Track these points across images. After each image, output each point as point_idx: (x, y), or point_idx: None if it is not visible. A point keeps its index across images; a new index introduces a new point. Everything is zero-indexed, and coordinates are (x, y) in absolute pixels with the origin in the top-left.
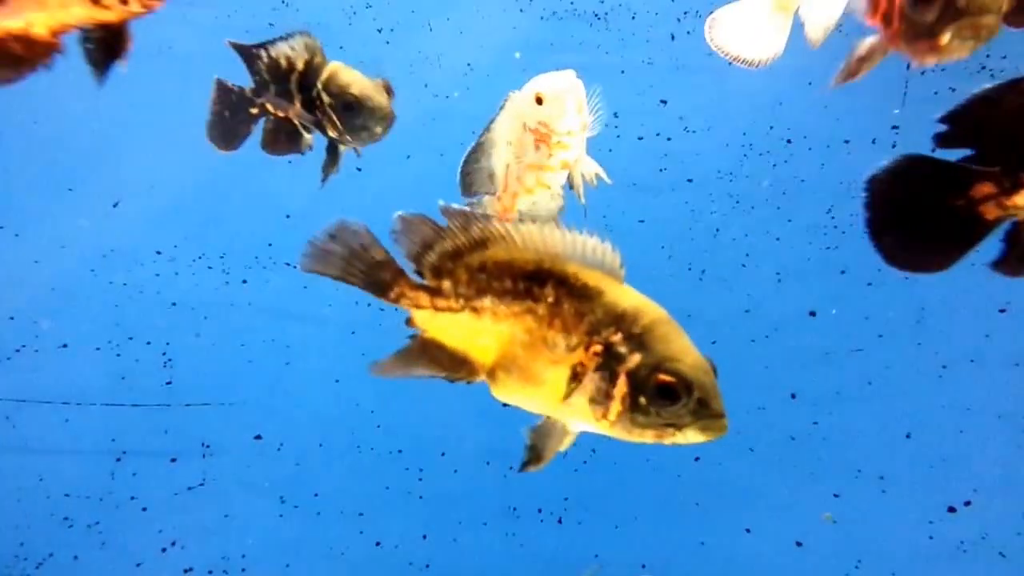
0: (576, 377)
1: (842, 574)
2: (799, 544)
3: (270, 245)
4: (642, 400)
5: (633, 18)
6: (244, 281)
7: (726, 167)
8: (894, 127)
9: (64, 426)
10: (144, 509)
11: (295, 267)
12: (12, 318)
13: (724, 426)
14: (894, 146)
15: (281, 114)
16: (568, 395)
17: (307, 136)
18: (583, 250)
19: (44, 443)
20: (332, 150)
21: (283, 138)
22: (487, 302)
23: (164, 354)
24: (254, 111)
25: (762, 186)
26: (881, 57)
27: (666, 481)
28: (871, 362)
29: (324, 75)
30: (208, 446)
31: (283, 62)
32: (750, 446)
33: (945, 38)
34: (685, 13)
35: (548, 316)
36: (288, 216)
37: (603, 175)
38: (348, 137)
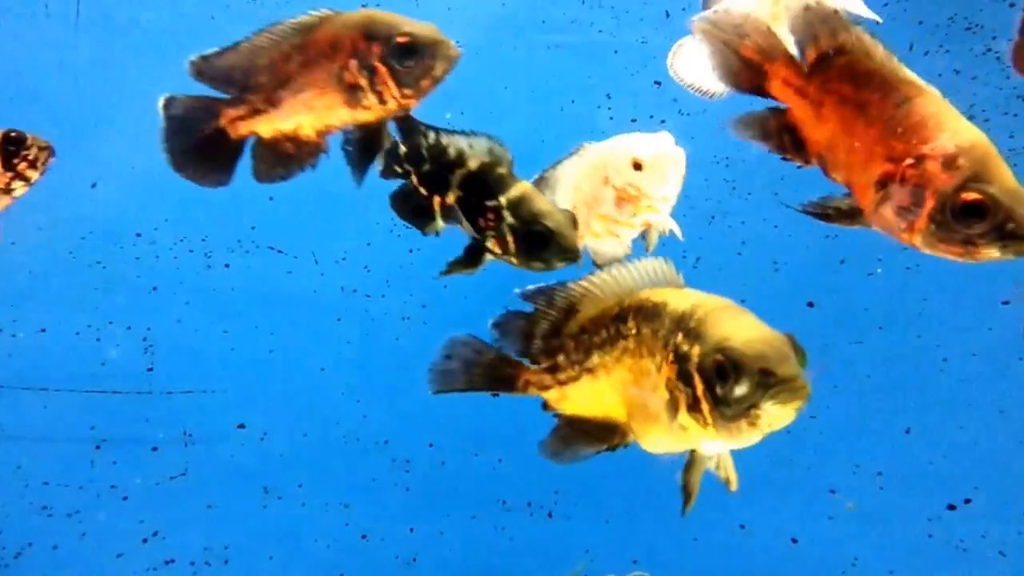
0: (672, 397)
1: (839, 572)
2: (795, 541)
3: (253, 228)
4: (718, 391)
5: None
6: (227, 265)
7: (722, 151)
8: None
9: (42, 413)
10: (125, 498)
11: (279, 251)
12: None
13: (798, 389)
14: None
15: (424, 191)
16: (673, 417)
17: (439, 223)
18: (649, 274)
19: (22, 430)
20: (476, 253)
21: (412, 208)
22: (596, 359)
23: (145, 340)
24: (398, 169)
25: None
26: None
27: (659, 475)
28: (870, 355)
29: (513, 192)
30: (190, 435)
31: (451, 152)
32: None
33: (986, 251)
34: None
35: (636, 348)
36: (271, 198)
37: (677, 233)
38: (515, 260)
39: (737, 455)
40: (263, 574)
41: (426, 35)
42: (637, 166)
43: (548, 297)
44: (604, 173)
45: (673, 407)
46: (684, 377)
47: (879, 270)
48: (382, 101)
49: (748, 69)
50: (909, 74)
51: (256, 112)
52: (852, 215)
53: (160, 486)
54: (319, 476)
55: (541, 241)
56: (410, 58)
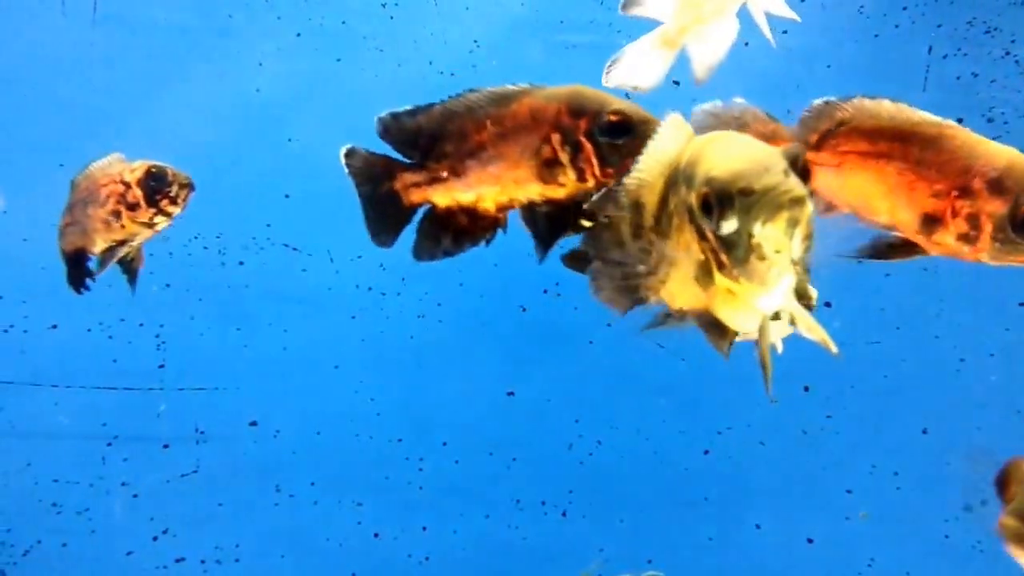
0: (705, 262)
1: (855, 573)
2: (811, 541)
3: (268, 226)
4: (717, 234)
5: None
6: (241, 263)
7: None
8: None
9: (54, 409)
10: (135, 496)
11: (294, 248)
12: (1, 297)
13: (780, 196)
14: None
15: None
16: (712, 284)
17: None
18: (672, 139)
19: (33, 427)
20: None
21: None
22: (671, 247)
23: (157, 336)
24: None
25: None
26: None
27: (674, 474)
28: (887, 355)
29: None
30: (202, 432)
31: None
32: (761, 440)
33: None
34: None
35: (679, 223)
36: (287, 196)
37: None
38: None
39: (753, 456)
40: (274, 573)
41: (637, 114)
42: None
43: (614, 200)
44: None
45: (709, 272)
46: (701, 234)
47: (896, 271)
48: (581, 178)
49: None
50: (921, 115)
51: (436, 181)
52: (909, 249)
53: (171, 484)
54: (332, 474)
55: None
56: (619, 136)
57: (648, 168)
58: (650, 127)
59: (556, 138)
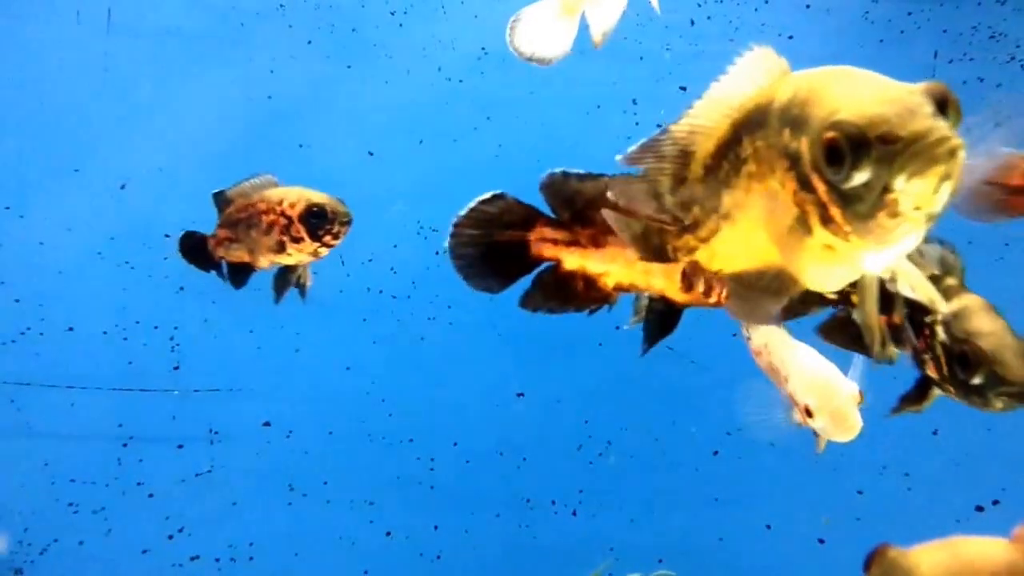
0: (802, 214)
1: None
2: (821, 541)
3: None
4: (840, 184)
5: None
6: None
7: None
8: None
9: (70, 410)
10: (151, 495)
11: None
12: (17, 300)
13: (936, 147)
14: None
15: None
16: (809, 237)
17: (891, 348)
18: (751, 75)
19: (49, 427)
20: (923, 387)
21: (852, 337)
22: (727, 200)
23: (172, 339)
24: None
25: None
26: None
27: (684, 475)
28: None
29: (954, 305)
30: (216, 432)
31: None
32: (771, 440)
33: None
34: None
35: (758, 169)
36: None
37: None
38: (951, 388)
39: (763, 456)
40: (288, 571)
41: None
42: (808, 413)
43: (655, 153)
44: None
45: (806, 226)
46: (804, 183)
47: None
48: (707, 293)
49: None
50: None
51: (574, 243)
52: None
53: (186, 483)
54: (344, 474)
55: (972, 367)
56: None
57: (707, 112)
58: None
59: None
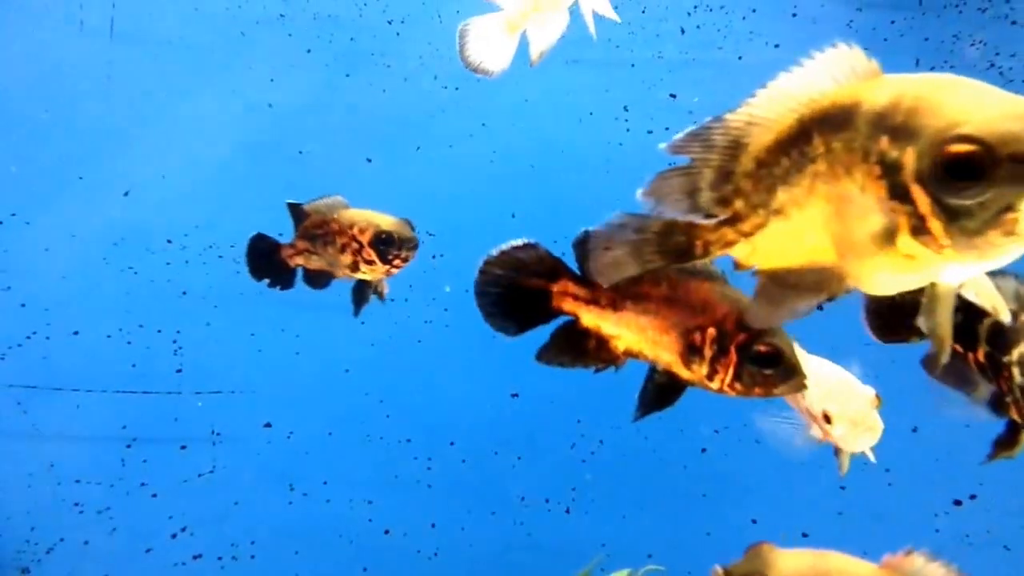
0: (889, 222)
1: None
2: (805, 535)
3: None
4: (952, 201)
5: (643, 11)
6: None
7: None
8: None
9: (75, 413)
10: (154, 495)
11: None
12: (23, 305)
13: None
14: None
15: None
16: (891, 245)
17: (980, 390)
18: (829, 73)
19: (55, 429)
20: (1012, 432)
21: (954, 374)
22: (782, 196)
23: (175, 342)
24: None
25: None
26: None
27: (673, 472)
28: (879, 356)
29: None
30: (218, 433)
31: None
32: (757, 438)
33: None
34: (695, 7)
35: (830, 169)
36: None
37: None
38: None
39: (749, 453)
40: (288, 569)
41: (787, 352)
42: (827, 419)
43: (703, 141)
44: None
45: (889, 234)
46: (899, 193)
47: None
48: (710, 377)
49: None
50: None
51: (593, 302)
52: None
53: (189, 483)
54: (343, 473)
55: None
56: (768, 366)
57: (771, 104)
58: (798, 375)
59: (711, 333)
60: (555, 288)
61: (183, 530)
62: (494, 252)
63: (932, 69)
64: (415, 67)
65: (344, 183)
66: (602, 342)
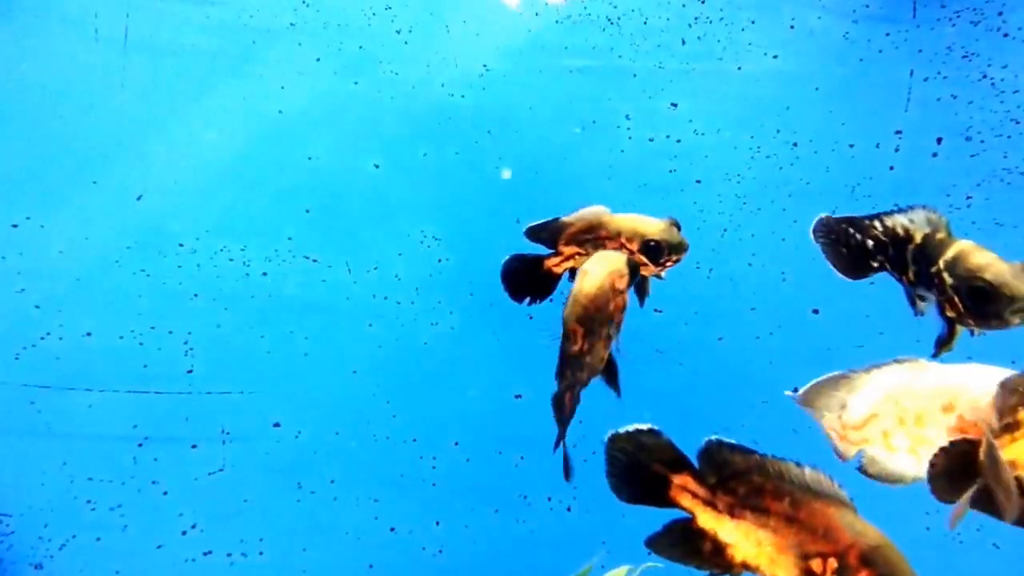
0: None
1: None
2: None
3: (290, 239)
4: None
5: (645, 23)
6: (264, 274)
7: (734, 169)
8: (897, 132)
9: (88, 412)
10: (165, 493)
11: (314, 260)
12: (38, 307)
13: None
14: (897, 150)
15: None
16: None
17: (920, 304)
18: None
19: (68, 428)
20: (949, 329)
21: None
22: None
23: (186, 343)
24: (875, 264)
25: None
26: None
27: None
28: (872, 358)
29: (948, 253)
30: (228, 433)
31: (900, 231)
32: (754, 439)
33: None
34: (696, 19)
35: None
36: (308, 211)
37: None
38: (972, 323)
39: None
40: (296, 565)
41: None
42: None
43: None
44: (950, 400)
45: None
46: None
47: (880, 280)
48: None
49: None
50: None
51: (710, 505)
52: None
53: (199, 482)
54: (350, 472)
55: (984, 296)
56: None
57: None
58: None
59: (831, 565)
60: (675, 480)
61: (193, 527)
62: (622, 430)
63: (925, 80)
64: (422, 75)
65: (351, 188)
66: (718, 548)
